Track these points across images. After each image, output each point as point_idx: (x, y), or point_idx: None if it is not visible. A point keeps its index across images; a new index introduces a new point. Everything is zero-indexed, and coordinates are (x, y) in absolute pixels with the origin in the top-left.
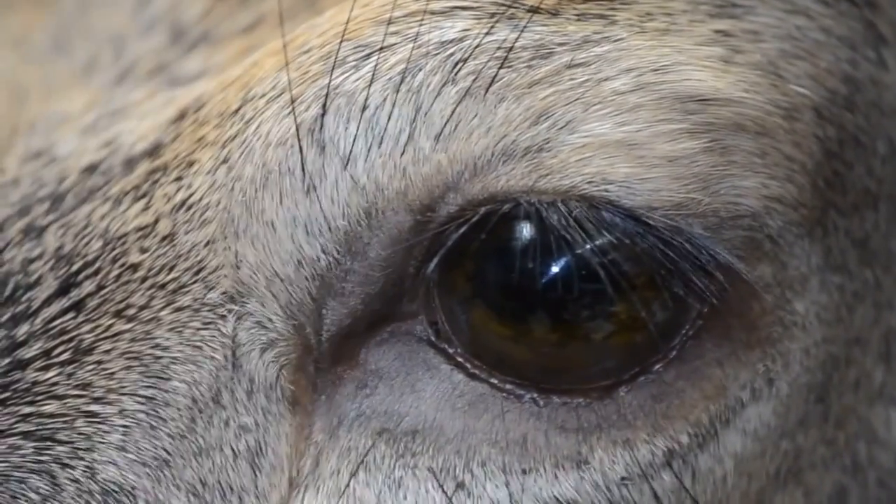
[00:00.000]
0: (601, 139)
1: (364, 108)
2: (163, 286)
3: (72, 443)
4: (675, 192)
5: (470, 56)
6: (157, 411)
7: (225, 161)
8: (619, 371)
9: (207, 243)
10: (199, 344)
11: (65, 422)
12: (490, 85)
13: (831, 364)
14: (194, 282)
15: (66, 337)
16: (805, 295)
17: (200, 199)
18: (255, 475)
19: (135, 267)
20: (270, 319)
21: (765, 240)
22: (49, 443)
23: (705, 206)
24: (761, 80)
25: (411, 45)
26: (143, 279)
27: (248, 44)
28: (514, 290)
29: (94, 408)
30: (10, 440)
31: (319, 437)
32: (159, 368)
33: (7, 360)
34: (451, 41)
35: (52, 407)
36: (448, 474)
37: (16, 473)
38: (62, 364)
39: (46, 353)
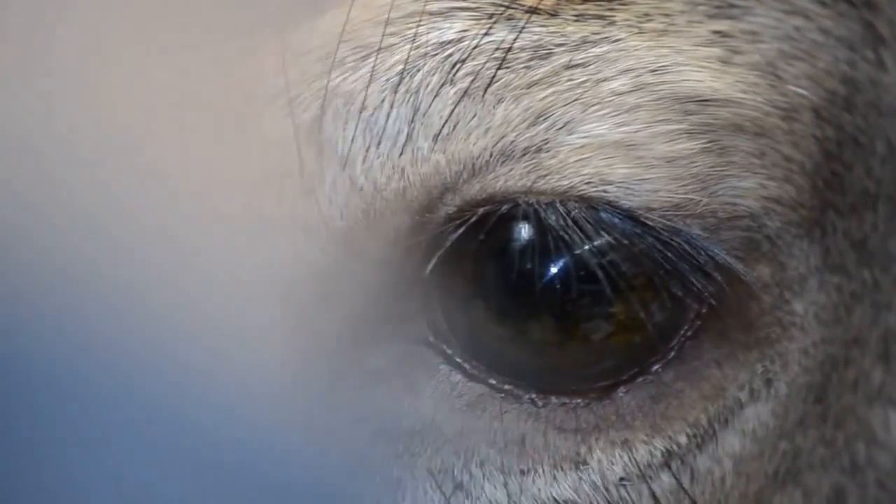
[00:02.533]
0: (600, 140)
1: (362, 109)
2: None
3: None
4: (674, 192)
5: (468, 57)
6: None
7: None
8: (617, 372)
9: None
10: None
11: None
12: (488, 85)
13: (830, 364)
14: None
15: None
16: (804, 295)
17: None
18: None
19: None
20: None
21: (763, 240)
22: None
23: (704, 207)
24: (760, 81)
25: (409, 46)
26: None
27: None
28: (513, 290)
29: None
30: None
31: None
32: None
33: None
34: (450, 42)
35: None
36: (446, 475)
37: None
38: None
39: None
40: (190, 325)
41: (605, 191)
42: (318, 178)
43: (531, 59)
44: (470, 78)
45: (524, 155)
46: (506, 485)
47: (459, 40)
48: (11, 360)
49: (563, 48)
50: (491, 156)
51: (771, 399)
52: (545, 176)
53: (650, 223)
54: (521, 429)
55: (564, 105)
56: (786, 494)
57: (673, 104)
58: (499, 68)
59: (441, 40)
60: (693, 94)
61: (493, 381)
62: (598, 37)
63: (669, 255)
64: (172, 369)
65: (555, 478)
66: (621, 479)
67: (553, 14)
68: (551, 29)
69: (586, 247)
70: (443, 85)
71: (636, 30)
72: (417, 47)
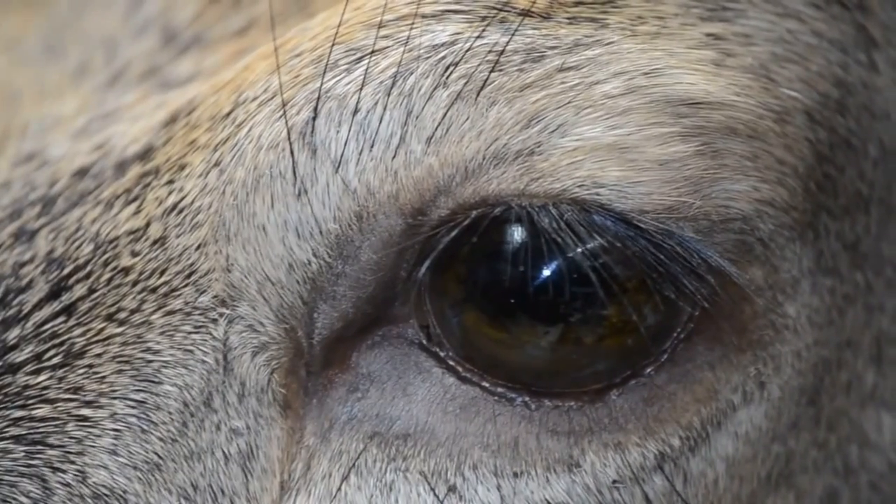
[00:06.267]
0: (592, 143)
1: (355, 112)
2: (154, 290)
3: (63, 447)
4: (667, 195)
5: (461, 59)
6: (148, 415)
7: (216, 164)
8: (610, 374)
9: (199, 247)
10: (190, 347)
11: (56, 425)
12: (481, 88)
13: (823, 367)
14: (185, 285)
15: (57, 340)
16: (796, 298)
17: (192, 202)
18: (247, 479)
19: (126, 270)
20: (262, 323)
21: (756, 243)
22: (40, 446)
23: (696, 210)
24: (753, 84)
25: (402, 49)
26: (135, 283)
27: (240, 47)
28: (506, 293)
29: (86, 411)
30: (1, 444)
31: (311, 440)
32: (150, 372)
33: None
34: (443, 45)
35: (43, 411)
36: (440, 477)
37: (7, 477)
38: (53, 368)
39: (37, 357)
40: None
41: (597, 193)
42: (311, 181)
43: (524, 62)
44: (463, 81)
45: (517, 158)
46: (499, 487)
47: (452, 43)
48: None
49: (555, 51)
50: (484, 159)
51: (764, 402)
52: (538, 179)
53: (643, 226)
54: (514, 431)
55: (557, 108)
56: (779, 497)
57: (665, 107)
58: (492, 71)
59: (434, 43)
60: (686, 96)
61: (485, 384)
62: (590, 39)
63: (662, 257)
64: None
65: (548, 480)
66: (614, 481)
67: (546, 17)
68: (544, 32)
69: (579, 249)
70: (436, 88)
71: (629, 32)
72: (410, 50)
